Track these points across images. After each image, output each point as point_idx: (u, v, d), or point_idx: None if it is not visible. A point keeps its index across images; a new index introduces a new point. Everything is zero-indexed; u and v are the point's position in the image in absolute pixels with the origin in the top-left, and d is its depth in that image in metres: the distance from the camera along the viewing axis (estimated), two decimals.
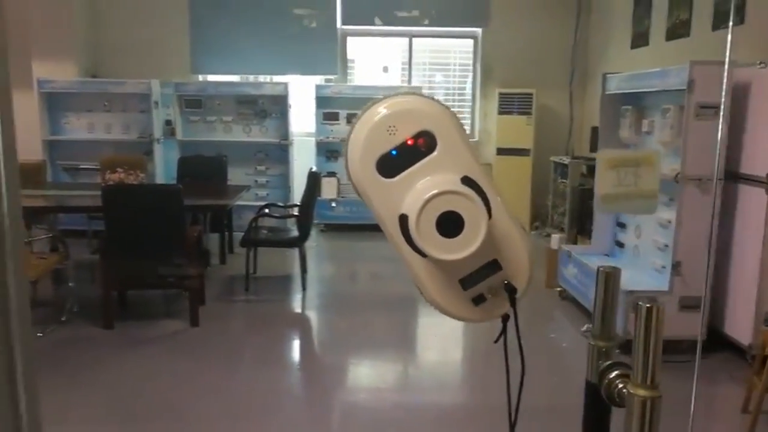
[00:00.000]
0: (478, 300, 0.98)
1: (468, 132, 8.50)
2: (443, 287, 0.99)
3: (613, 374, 1.05)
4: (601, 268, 1.11)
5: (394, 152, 0.92)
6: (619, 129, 4.80)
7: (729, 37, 1.99)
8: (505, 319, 1.01)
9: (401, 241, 0.94)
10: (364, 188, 0.95)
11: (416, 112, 0.94)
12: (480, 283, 0.97)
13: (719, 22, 4.98)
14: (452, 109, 0.99)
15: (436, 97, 0.99)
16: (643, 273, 4.38)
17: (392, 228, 0.94)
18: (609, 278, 1.10)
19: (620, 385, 1.00)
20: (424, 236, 0.90)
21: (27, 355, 1.02)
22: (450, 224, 0.89)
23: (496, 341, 1.04)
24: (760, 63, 3.67)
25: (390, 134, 0.92)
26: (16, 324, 1.01)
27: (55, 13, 7.21)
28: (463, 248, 0.90)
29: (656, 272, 4.19)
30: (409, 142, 0.92)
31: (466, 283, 0.97)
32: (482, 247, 0.92)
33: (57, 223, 5.87)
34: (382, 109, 0.94)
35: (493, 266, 0.96)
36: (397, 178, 0.93)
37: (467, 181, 0.92)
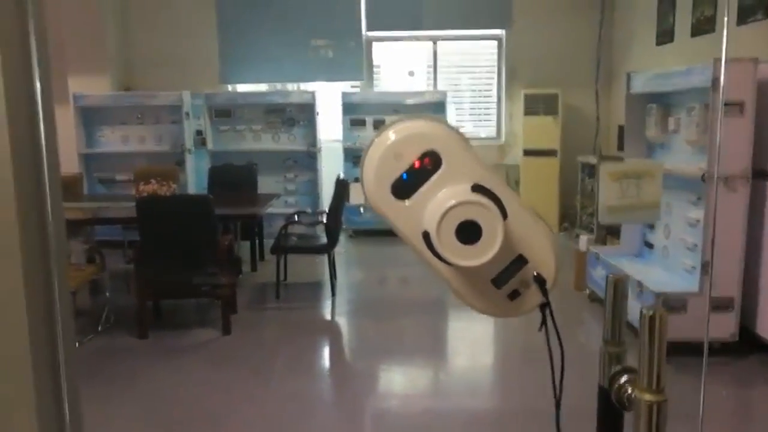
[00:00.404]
0: (514, 295, 1.04)
1: (495, 134, 8.50)
2: (479, 291, 1.04)
3: (623, 379, 1.08)
4: (610, 275, 1.15)
5: (404, 176, 0.99)
6: (645, 128, 4.76)
7: (725, 34, 1.99)
8: (543, 307, 1.05)
9: (430, 256, 1.00)
10: (385, 212, 1.01)
11: (418, 135, 1.00)
12: (511, 280, 1.02)
13: (744, 17, 4.91)
14: (460, 127, 1.06)
15: (441, 119, 1.05)
16: (673, 274, 4.34)
17: (419, 245, 1.00)
18: (618, 285, 1.14)
19: (629, 390, 1.03)
20: (446, 247, 0.96)
21: (70, 362, 1.11)
22: (469, 232, 0.95)
23: (540, 329, 1.09)
24: None
25: (397, 161, 0.99)
26: (60, 332, 1.09)
27: (88, 29, 7.44)
28: (484, 253, 0.96)
29: (686, 273, 4.15)
30: (416, 165, 0.99)
31: (498, 282, 1.02)
32: (505, 246, 0.97)
33: (93, 234, 6.06)
34: (390, 135, 1.00)
35: (520, 261, 1.01)
36: (412, 198, 0.99)
37: (478, 188, 0.97)
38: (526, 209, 1.04)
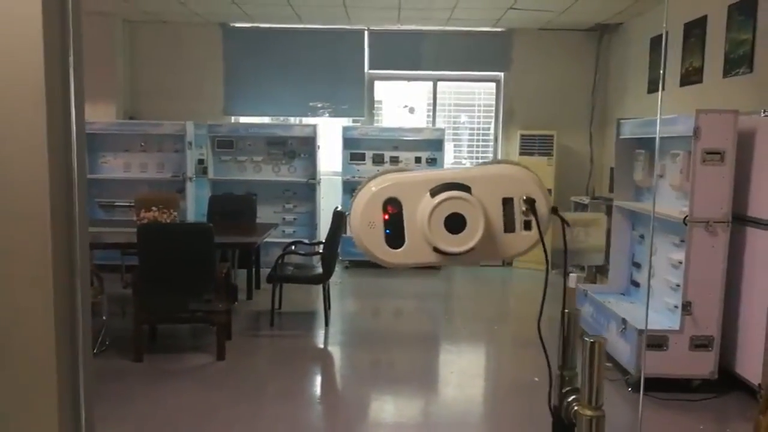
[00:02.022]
0: (528, 226, 1.20)
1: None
2: (506, 244, 1.21)
3: (571, 398, 1.23)
4: (566, 311, 1.31)
5: (387, 231, 1.18)
6: (634, 172, 4.94)
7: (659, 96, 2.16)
8: (555, 211, 1.24)
9: (452, 259, 1.19)
10: (398, 264, 1.20)
11: (372, 198, 1.19)
12: (516, 219, 1.19)
13: (730, 69, 5.14)
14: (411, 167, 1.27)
15: (385, 170, 1.24)
16: (657, 312, 4.46)
17: (440, 260, 1.19)
18: (570, 319, 1.31)
19: (575, 407, 1.18)
20: (450, 244, 1.15)
21: (87, 374, 1.24)
22: (456, 223, 1.14)
23: (565, 228, 1.26)
24: (765, 112, 3.81)
25: (372, 228, 1.18)
26: (81, 347, 1.23)
27: (98, 59, 7.66)
28: (477, 227, 1.15)
29: (669, 311, 4.28)
30: (386, 218, 1.18)
31: (509, 227, 1.20)
32: (489, 203, 1.17)
33: (92, 258, 6.17)
34: (356, 210, 1.20)
35: (509, 201, 1.19)
36: (406, 240, 1.18)
37: (434, 191, 1.16)
38: (483, 168, 1.23)
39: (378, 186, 1.19)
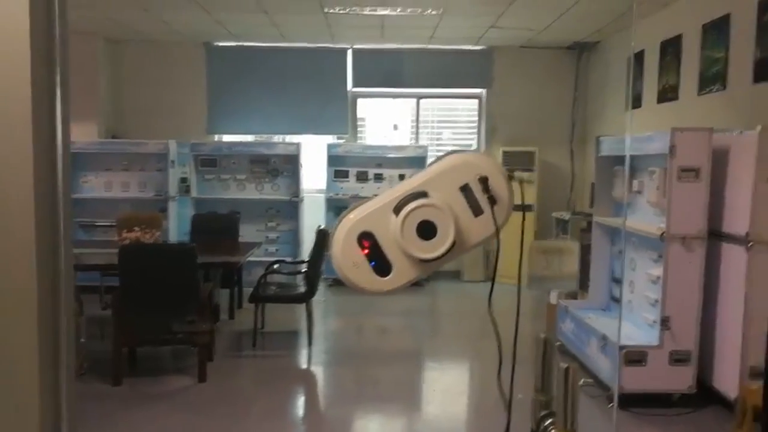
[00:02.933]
0: (492, 201, 1.24)
1: None
2: (480, 228, 1.25)
3: (548, 422, 1.25)
4: (540, 335, 1.34)
5: (373, 263, 1.22)
6: (613, 188, 5.00)
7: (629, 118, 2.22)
8: (511, 178, 1.27)
9: (435, 265, 1.23)
10: (393, 289, 1.24)
11: (345, 236, 1.23)
12: (479, 201, 1.23)
13: (704, 87, 5.23)
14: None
15: (348, 209, 1.28)
16: (636, 327, 4.50)
17: (430, 268, 1.23)
18: (547, 345, 1.34)
19: (551, 430, 1.20)
20: (425, 251, 1.20)
21: (71, 396, 1.25)
22: (427, 231, 1.19)
23: (522, 190, 1.31)
24: (738, 130, 3.88)
25: (357, 267, 1.22)
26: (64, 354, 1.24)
27: (80, 78, 7.65)
28: (448, 231, 1.19)
29: (649, 327, 4.32)
30: (366, 252, 1.22)
31: (476, 210, 1.23)
32: (450, 194, 1.21)
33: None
34: (336, 253, 1.24)
35: (467, 188, 1.23)
36: (393, 265, 1.22)
37: (396, 208, 1.20)
38: (434, 167, 1.27)
39: (345, 228, 1.23)
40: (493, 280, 1.38)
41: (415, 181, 1.24)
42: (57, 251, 1.28)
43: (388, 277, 1.22)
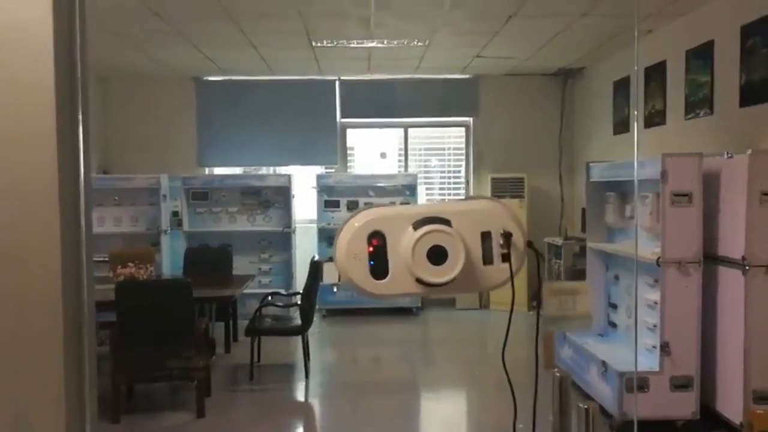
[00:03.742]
0: (506, 258, 1.26)
1: None
2: (485, 276, 1.27)
3: None
4: (557, 373, 1.36)
5: (372, 263, 1.23)
6: (605, 214, 5.05)
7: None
8: (530, 245, 1.31)
9: (434, 290, 1.25)
10: (381, 295, 1.25)
11: (356, 232, 1.24)
12: (494, 251, 1.25)
13: (691, 111, 5.34)
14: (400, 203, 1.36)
15: (367, 205, 1.34)
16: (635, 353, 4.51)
17: (420, 291, 1.25)
18: (563, 384, 1.36)
19: None
20: (432, 275, 1.21)
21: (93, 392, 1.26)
22: (438, 255, 1.20)
23: (539, 264, 1.36)
24: (728, 154, 3.96)
25: (357, 260, 1.23)
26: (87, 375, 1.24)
27: None
28: (457, 259, 1.21)
29: (648, 352, 4.33)
30: (371, 250, 1.23)
31: (487, 259, 1.26)
32: (469, 236, 1.23)
33: None
34: (341, 243, 1.25)
35: (487, 235, 1.25)
36: (390, 271, 1.23)
37: (417, 224, 1.22)
38: (462, 203, 1.33)
39: (363, 219, 1.25)
40: (507, 334, 1.38)
41: (442, 207, 1.27)
42: (80, 288, 1.30)
43: (380, 281, 1.23)
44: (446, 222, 1.22)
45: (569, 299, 1.54)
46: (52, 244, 1.21)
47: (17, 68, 1.19)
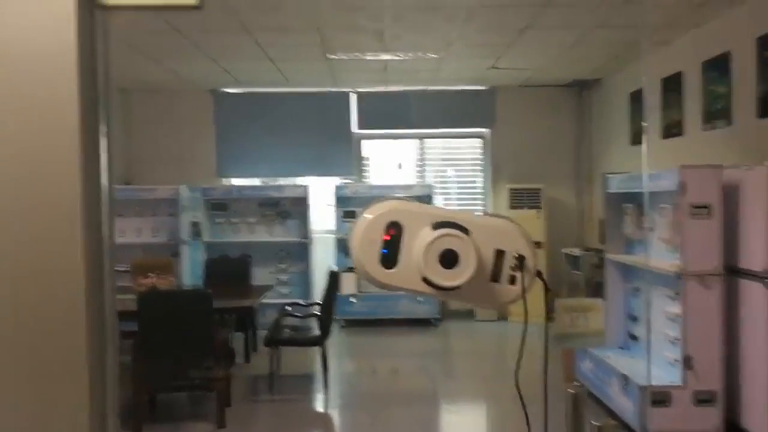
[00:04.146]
0: (513, 280, 1.28)
1: None
2: (488, 292, 1.29)
3: None
4: (570, 390, 1.38)
5: (384, 251, 1.26)
6: (623, 225, 5.05)
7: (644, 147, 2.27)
8: (540, 274, 1.31)
9: (437, 292, 1.26)
10: (386, 284, 1.28)
11: (377, 218, 1.27)
12: (503, 271, 1.27)
13: (709, 122, 5.33)
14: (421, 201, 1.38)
15: (394, 196, 1.35)
16: (657, 367, 4.49)
17: (425, 289, 1.26)
18: (577, 401, 1.38)
19: None
20: (439, 277, 1.23)
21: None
22: (450, 259, 1.22)
23: (546, 296, 1.35)
24: (747, 166, 3.95)
25: (371, 245, 1.26)
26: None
27: None
28: (468, 267, 1.22)
29: (670, 366, 4.31)
30: (387, 238, 1.26)
31: (495, 277, 1.27)
32: (482, 250, 1.24)
33: None
34: (359, 225, 1.28)
35: (501, 254, 1.27)
36: (399, 262, 1.26)
37: (437, 225, 1.25)
38: (483, 217, 1.35)
39: (387, 208, 1.28)
40: (520, 356, 1.40)
41: (464, 215, 1.29)
42: (103, 300, 1.35)
43: (388, 271, 1.26)
44: (465, 230, 1.24)
45: (581, 316, 1.56)
46: (75, 258, 1.25)
47: (42, 85, 1.24)
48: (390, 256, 1.25)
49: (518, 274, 1.28)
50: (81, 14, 1.23)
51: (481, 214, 1.43)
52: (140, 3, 1.31)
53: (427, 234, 1.24)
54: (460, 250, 1.23)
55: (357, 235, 1.27)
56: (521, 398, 1.34)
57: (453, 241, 1.23)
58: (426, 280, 1.24)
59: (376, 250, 1.25)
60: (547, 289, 1.35)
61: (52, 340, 1.27)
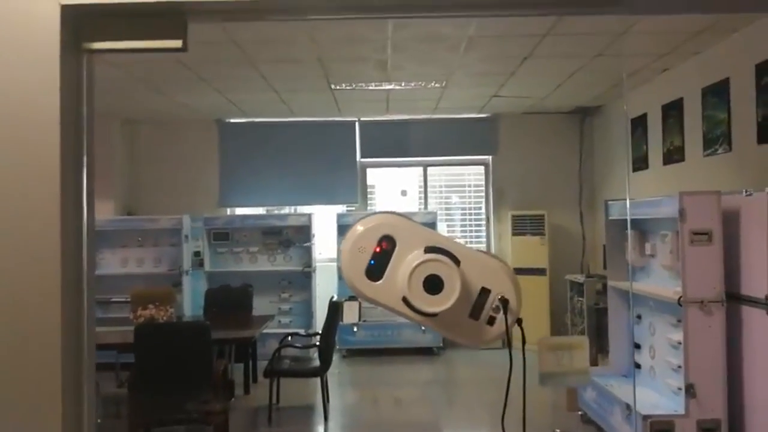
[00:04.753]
0: (491, 321, 1.25)
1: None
2: (463, 327, 1.26)
3: None
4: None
5: (372, 262, 1.24)
6: (625, 252, 5.00)
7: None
8: (519, 322, 1.29)
9: (413, 314, 1.24)
10: (366, 296, 1.26)
11: (372, 228, 1.26)
12: (484, 310, 1.25)
13: (709, 148, 5.31)
14: (415, 217, 1.36)
15: (391, 211, 1.33)
16: (660, 395, 4.40)
17: (402, 309, 1.24)
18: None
19: None
20: (420, 301, 1.21)
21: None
22: (434, 285, 1.21)
23: (522, 342, 1.32)
24: (747, 192, 3.91)
25: (361, 253, 1.25)
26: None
27: (97, 157, 7.82)
28: (449, 296, 1.20)
29: (673, 394, 4.23)
30: (377, 250, 1.24)
31: (474, 314, 1.25)
32: (467, 285, 1.22)
33: None
34: (353, 233, 1.28)
35: (485, 293, 1.25)
36: (384, 277, 1.24)
37: (430, 249, 1.23)
38: (476, 252, 1.30)
39: (384, 221, 1.27)
40: (505, 402, 1.36)
41: (458, 246, 1.27)
42: (80, 332, 1.33)
43: (371, 283, 1.24)
44: (456, 260, 1.22)
45: (565, 354, 1.53)
46: (52, 291, 1.24)
47: (26, 125, 1.25)
48: (377, 268, 1.24)
49: (498, 316, 1.27)
50: (65, 57, 1.25)
51: (477, 249, 1.42)
52: (124, 47, 1.33)
53: (418, 255, 1.22)
54: (446, 278, 1.21)
55: (349, 242, 1.27)
56: None
57: (441, 267, 1.21)
58: (405, 301, 1.22)
59: (365, 259, 1.24)
60: (523, 337, 1.33)
61: (28, 373, 1.25)
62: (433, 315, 1.22)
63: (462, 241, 8.83)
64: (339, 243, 8.10)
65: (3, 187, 1.26)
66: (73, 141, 1.29)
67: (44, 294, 1.27)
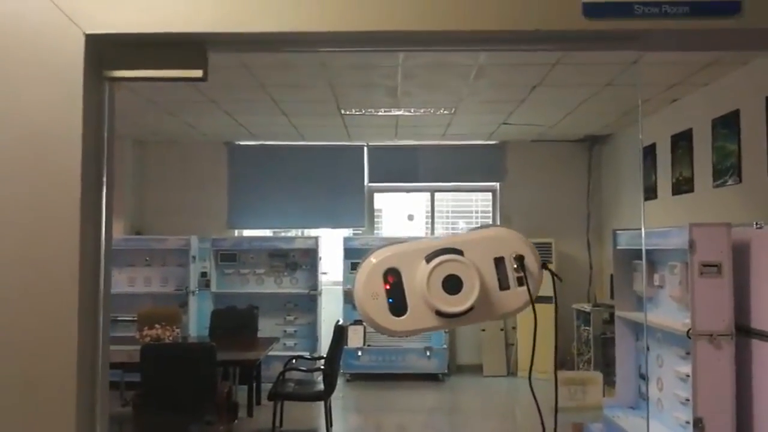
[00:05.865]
0: (521, 282, 1.28)
1: None
2: (503, 302, 1.29)
3: None
4: None
5: (390, 300, 1.25)
6: (633, 282, 4.97)
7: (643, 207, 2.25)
8: (544, 266, 1.35)
9: (457, 321, 1.26)
10: (407, 331, 1.26)
11: (372, 270, 1.27)
12: (509, 275, 1.28)
13: (719, 179, 5.31)
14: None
15: (382, 246, 1.33)
16: (668, 428, 4.34)
17: (442, 324, 1.26)
18: None
19: None
20: (449, 305, 1.22)
21: None
22: (453, 285, 1.21)
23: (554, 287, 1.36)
24: (757, 224, 3.90)
25: (376, 298, 1.26)
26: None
27: None
28: (473, 288, 1.22)
29: (681, 428, 4.17)
30: (387, 287, 1.25)
31: (503, 284, 1.28)
32: (482, 263, 1.24)
33: None
34: (358, 287, 1.29)
35: (500, 261, 1.28)
36: (408, 307, 1.25)
37: (429, 256, 1.23)
38: (471, 233, 1.34)
39: (377, 258, 1.27)
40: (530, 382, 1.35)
41: (454, 239, 1.28)
42: (96, 349, 1.35)
43: (401, 318, 1.24)
44: (458, 252, 1.23)
45: (579, 390, 1.52)
46: (70, 308, 1.26)
47: (48, 148, 1.28)
48: (397, 302, 1.24)
49: (525, 274, 1.28)
50: (88, 84, 1.28)
51: (473, 228, 1.44)
52: (146, 75, 1.36)
53: (424, 268, 1.23)
54: (460, 273, 1.22)
55: (359, 293, 1.27)
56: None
57: (450, 266, 1.22)
58: (439, 313, 1.22)
59: (382, 302, 1.24)
60: (555, 280, 1.34)
61: (43, 388, 1.26)
62: (469, 310, 1.23)
63: None
64: (345, 266, 8.11)
65: (26, 206, 1.29)
66: (93, 164, 1.31)
67: (62, 310, 1.29)
